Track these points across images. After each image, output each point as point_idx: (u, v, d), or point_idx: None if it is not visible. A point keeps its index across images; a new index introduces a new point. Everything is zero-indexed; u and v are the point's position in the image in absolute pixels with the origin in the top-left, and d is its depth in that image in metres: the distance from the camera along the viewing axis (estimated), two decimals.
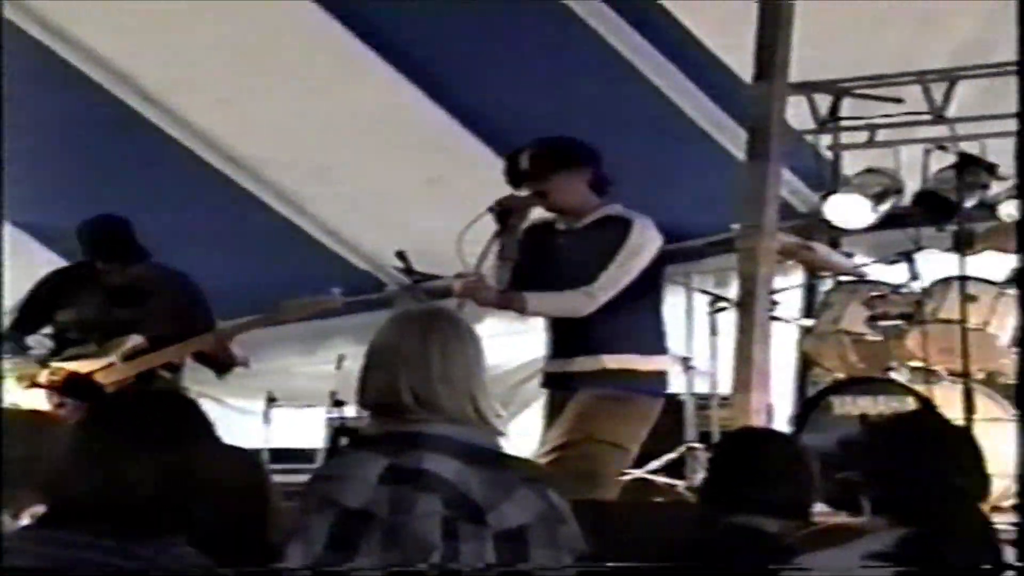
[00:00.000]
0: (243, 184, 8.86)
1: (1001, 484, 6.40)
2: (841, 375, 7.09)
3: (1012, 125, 7.51)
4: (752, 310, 6.03)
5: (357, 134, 8.32)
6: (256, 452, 4.75)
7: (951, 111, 7.72)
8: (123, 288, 6.33)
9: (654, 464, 7.04)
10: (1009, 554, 3.07)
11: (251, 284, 7.73)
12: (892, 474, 3.19)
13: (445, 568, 2.73)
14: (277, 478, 3.58)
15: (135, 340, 6.21)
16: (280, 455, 8.29)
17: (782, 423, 7.17)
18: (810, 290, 8.48)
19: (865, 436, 3.40)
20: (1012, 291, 6.89)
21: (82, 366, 6.23)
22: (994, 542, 3.04)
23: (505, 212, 5.38)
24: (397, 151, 8.30)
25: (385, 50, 7.73)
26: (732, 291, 6.76)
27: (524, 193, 5.43)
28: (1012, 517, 6.17)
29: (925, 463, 3.17)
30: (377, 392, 3.04)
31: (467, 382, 2.97)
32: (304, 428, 8.97)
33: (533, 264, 5.43)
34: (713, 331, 7.40)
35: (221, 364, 6.30)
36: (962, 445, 3.23)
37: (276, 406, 8.77)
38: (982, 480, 3.22)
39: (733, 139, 7.83)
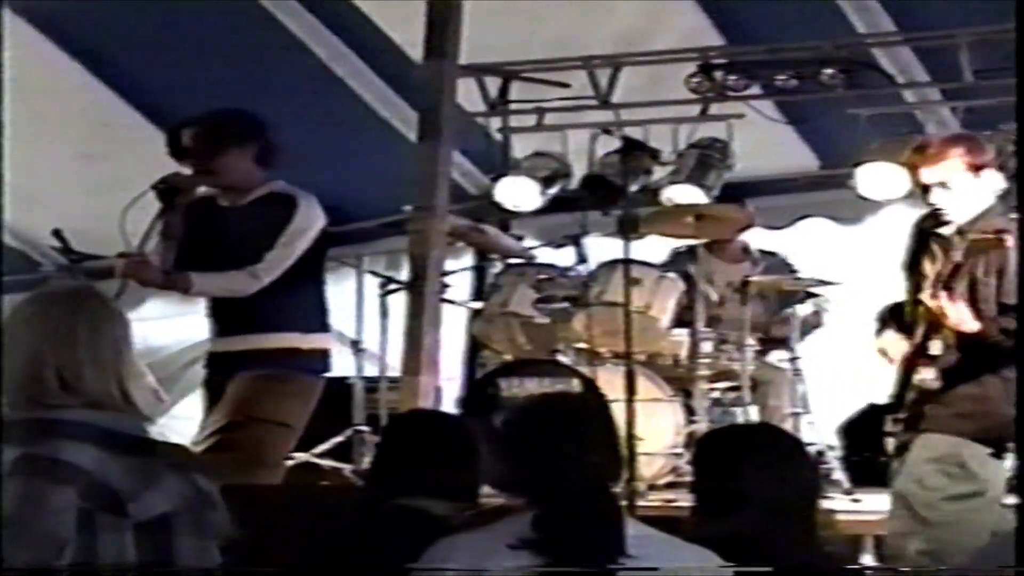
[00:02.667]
0: None
1: (658, 462, 6.61)
2: (509, 357, 7.16)
3: (675, 112, 7.82)
4: (423, 292, 6.03)
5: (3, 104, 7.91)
6: None
7: (616, 97, 7.87)
8: None
9: (321, 447, 6.97)
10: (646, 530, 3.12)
11: None
12: (523, 454, 3.22)
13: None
14: None
15: None
16: None
17: (451, 405, 7.19)
18: (480, 272, 8.54)
19: (506, 417, 3.42)
20: (672, 274, 7.07)
21: None
22: (618, 520, 3.08)
23: (169, 190, 5.22)
24: (48, 124, 7.94)
25: (36, 18, 7.38)
26: (403, 273, 6.73)
27: (188, 170, 5.27)
28: (669, 494, 6.38)
29: (551, 443, 3.20)
30: (17, 376, 2.87)
31: (116, 364, 2.85)
32: None
33: (196, 243, 5.30)
34: (384, 313, 7.36)
35: None
36: (592, 425, 3.27)
37: None
38: (614, 460, 3.27)
39: (404, 120, 7.81)
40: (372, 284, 7.67)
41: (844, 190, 7.69)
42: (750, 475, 3.31)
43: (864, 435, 7.49)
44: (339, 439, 7.10)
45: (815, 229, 8.44)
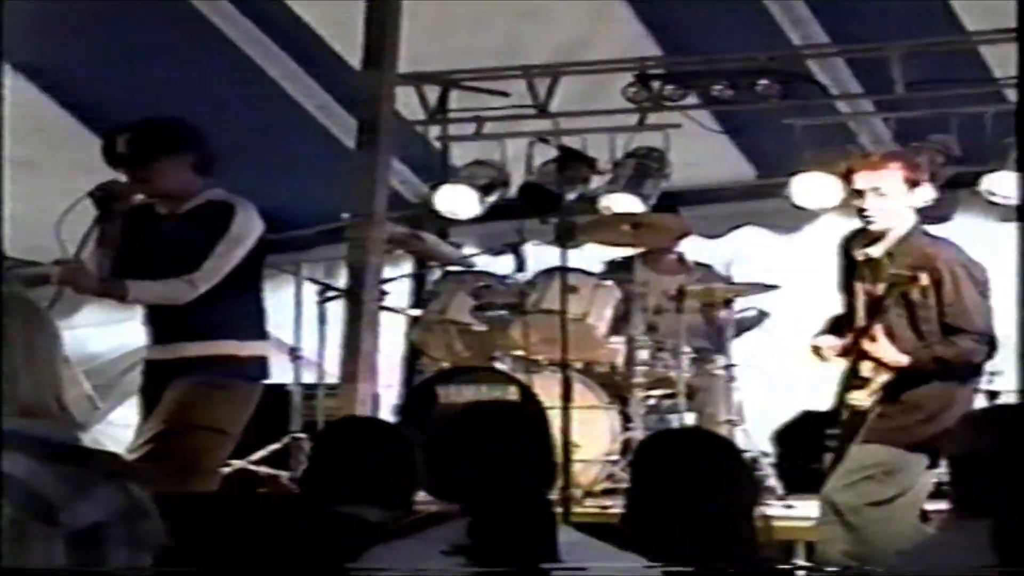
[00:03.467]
0: None
1: (594, 469, 6.66)
2: (447, 364, 7.19)
3: (612, 121, 7.87)
4: (361, 300, 6.05)
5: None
6: None
7: (554, 106, 7.91)
8: None
9: (257, 454, 6.97)
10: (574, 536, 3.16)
11: None
12: (459, 461, 3.25)
13: None
14: None
15: None
16: None
17: (388, 412, 7.21)
18: (418, 280, 8.56)
19: (443, 424, 3.44)
20: (609, 283, 7.13)
21: None
22: (552, 527, 3.11)
23: (105, 198, 5.21)
24: None
25: None
26: (342, 281, 6.74)
27: (124, 177, 5.27)
28: (605, 501, 6.42)
29: (486, 450, 3.23)
30: None
31: (50, 372, 2.84)
32: None
33: (134, 251, 5.29)
34: (322, 321, 7.37)
35: None
36: (528, 432, 3.30)
37: None
38: (549, 467, 3.30)
39: (343, 128, 7.82)
40: (310, 291, 7.69)
41: (779, 199, 7.76)
42: (684, 480, 3.35)
43: (798, 442, 7.58)
44: (276, 446, 7.10)
45: (751, 238, 8.52)
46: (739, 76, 7.59)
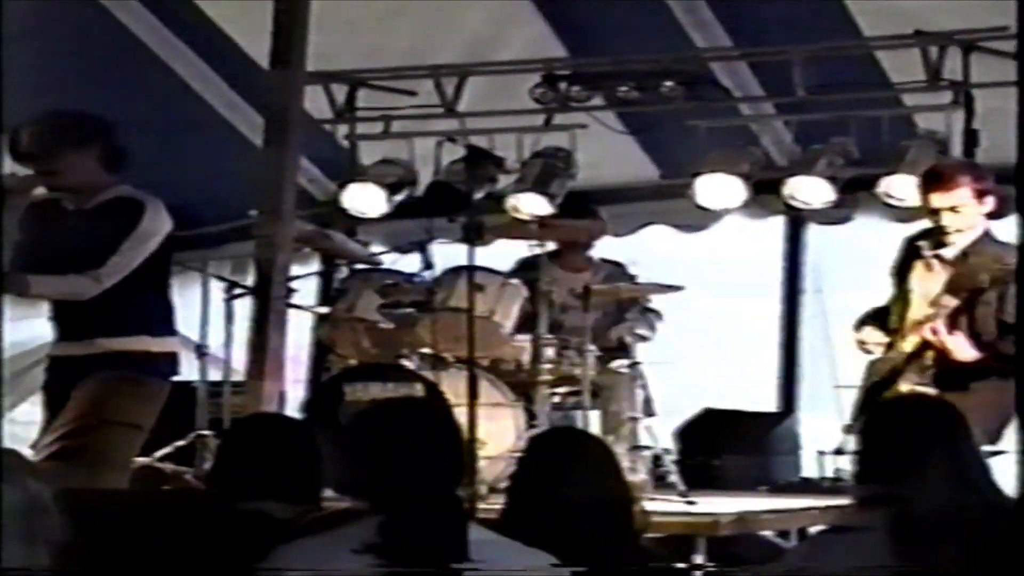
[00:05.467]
0: None
1: (500, 466, 6.71)
2: (354, 362, 7.20)
3: (519, 121, 7.94)
4: (268, 297, 6.05)
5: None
6: None
7: (462, 105, 7.96)
8: None
9: (162, 451, 6.95)
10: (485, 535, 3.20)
11: None
12: (367, 458, 3.28)
13: None
14: None
15: None
16: None
17: (295, 410, 7.22)
18: (326, 278, 8.57)
19: (350, 421, 3.48)
20: (516, 281, 7.19)
21: None
22: (461, 524, 3.15)
23: (7, 192, 5.18)
24: None
25: None
26: (249, 278, 6.74)
27: (28, 171, 5.24)
28: (506, 496, 6.46)
29: (394, 447, 3.26)
30: None
31: None
32: None
33: (40, 245, 5.27)
34: (229, 318, 7.35)
35: None
36: (435, 429, 3.33)
37: None
38: (457, 464, 3.34)
39: (251, 126, 7.81)
40: (217, 289, 7.67)
41: (684, 199, 7.86)
42: (556, 478, 3.41)
43: (700, 439, 7.69)
44: (181, 443, 7.09)
45: (658, 236, 8.62)
46: (644, 78, 7.69)
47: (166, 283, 5.42)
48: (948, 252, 5.88)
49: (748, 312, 8.92)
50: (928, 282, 5.90)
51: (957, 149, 7.07)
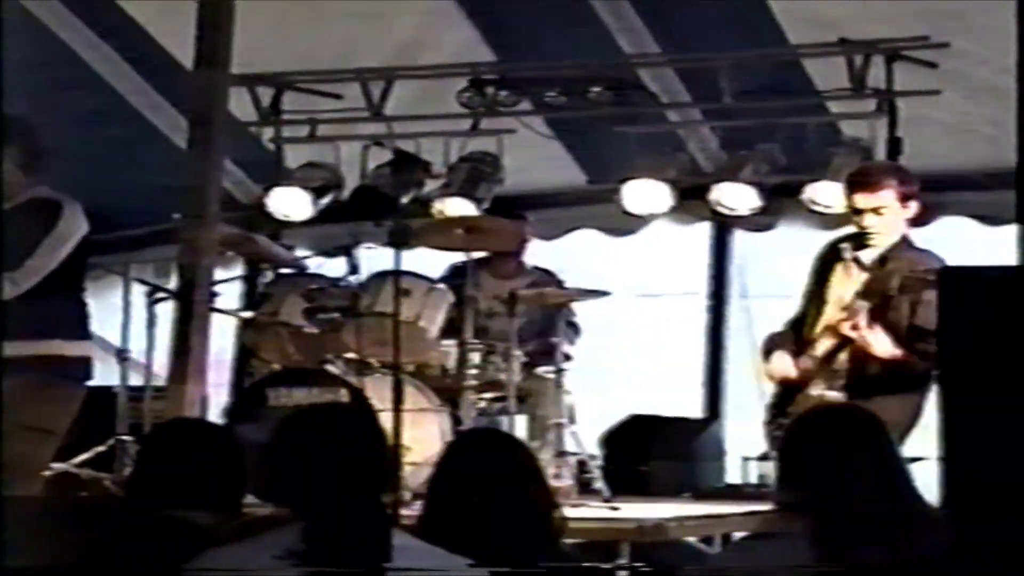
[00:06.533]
0: None
1: (424, 472, 6.68)
2: (278, 366, 7.15)
3: (446, 125, 7.92)
4: (191, 301, 5.99)
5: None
6: None
7: (388, 109, 7.94)
8: None
9: (81, 457, 6.87)
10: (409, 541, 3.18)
11: None
12: (290, 464, 3.25)
13: None
14: None
15: None
16: None
17: (218, 415, 7.16)
18: (250, 281, 8.51)
19: (274, 427, 3.44)
20: (442, 286, 7.17)
21: None
22: (385, 530, 3.13)
23: None
24: None
25: None
26: (172, 282, 6.68)
27: None
28: (427, 502, 6.43)
29: (318, 453, 3.24)
30: None
31: None
32: None
33: None
34: (151, 322, 7.28)
35: None
36: (359, 435, 3.31)
37: None
38: (381, 470, 3.32)
39: (175, 128, 7.75)
40: (139, 292, 7.59)
41: (612, 204, 7.88)
42: (472, 482, 3.41)
43: (625, 445, 7.70)
44: (100, 449, 7.01)
45: (585, 241, 8.64)
46: (572, 83, 7.71)
47: (80, 286, 5.37)
48: (867, 256, 5.90)
49: (674, 317, 8.95)
50: (844, 286, 5.93)
51: (881, 156, 7.12)
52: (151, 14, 7.43)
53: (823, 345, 5.88)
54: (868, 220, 5.88)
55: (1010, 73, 7.27)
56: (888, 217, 5.87)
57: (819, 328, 5.93)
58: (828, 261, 6.09)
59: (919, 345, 5.68)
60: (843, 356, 5.84)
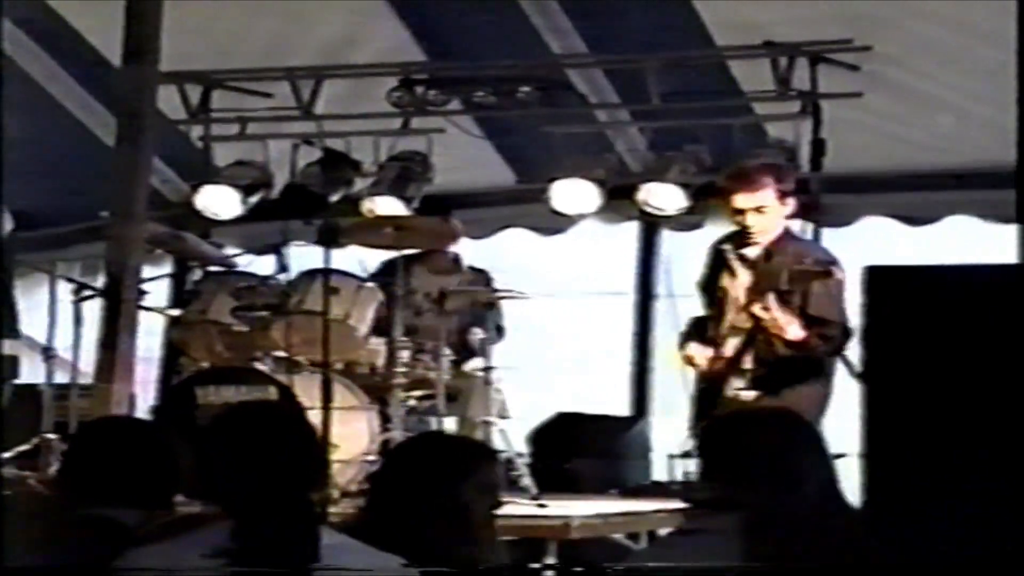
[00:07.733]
0: None
1: (352, 469, 6.70)
2: (207, 364, 7.14)
3: (375, 124, 7.93)
4: (119, 299, 5.97)
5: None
6: None
7: (318, 108, 7.93)
8: None
9: (5, 455, 6.82)
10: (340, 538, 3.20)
11: None
12: (218, 463, 3.26)
13: None
14: None
15: None
16: None
17: (145, 413, 7.13)
18: (179, 280, 8.47)
19: (202, 425, 3.45)
20: (371, 284, 7.18)
21: None
22: (314, 528, 3.15)
23: None
24: None
25: None
26: (99, 280, 6.65)
27: None
28: (362, 501, 6.45)
29: (246, 451, 3.24)
30: None
31: None
32: None
33: None
34: (77, 320, 7.24)
35: None
36: (288, 433, 3.32)
37: None
38: (310, 468, 3.32)
39: (102, 125, 7.71)
40: (66, 290, 7.55)
41: (541, 204, 7.91)
42: (411, 482, 3.43)
43: (553, 443, 7.74)
44: (25, 447, 6.96)
45: (515, 240, 8.68)
46: (501, 83, 7.74)
47: (7, 284, 5.32)
48: (751, 252, 5.96)
49: (602, 316, 9.00)
50: (736, 286, 6.00)
51: (805, 157, 7.21)
52: (77, 8, 7.39)
53: (731, 344, 5.93)
54: (750, 219, 5.94)
55: (931, 77, 7.44)
56: (769, 215, 5.94)
57: (724, 328, 5.99)
58: (714, 264, 6.15)
59: (817, 330, 5.78)
60: (750, 356, 5.89)
